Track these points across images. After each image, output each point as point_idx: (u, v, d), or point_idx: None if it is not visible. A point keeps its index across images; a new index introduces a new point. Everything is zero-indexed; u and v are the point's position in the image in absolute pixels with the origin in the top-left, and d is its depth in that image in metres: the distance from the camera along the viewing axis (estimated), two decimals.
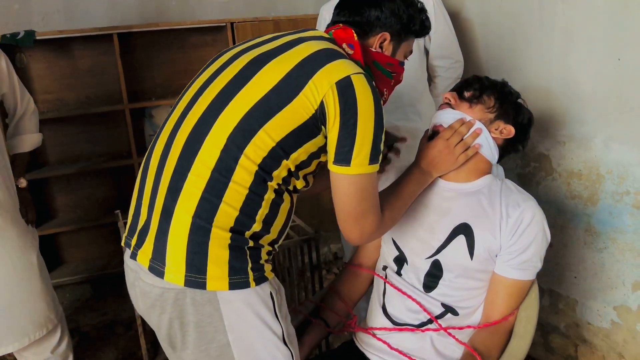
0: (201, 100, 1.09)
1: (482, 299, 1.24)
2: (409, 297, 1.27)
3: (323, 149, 1.09)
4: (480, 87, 1.28)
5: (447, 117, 1.27)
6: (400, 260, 1.32)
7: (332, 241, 3.05)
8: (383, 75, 1.24)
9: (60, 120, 2.69)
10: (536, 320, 1.23)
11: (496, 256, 1.20)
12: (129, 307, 2.55)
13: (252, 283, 1.04)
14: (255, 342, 1.06)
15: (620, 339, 1.81)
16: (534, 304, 1.23)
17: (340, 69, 1.04)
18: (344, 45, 1.17)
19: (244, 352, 1.06)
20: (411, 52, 1.30)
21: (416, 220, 1.30)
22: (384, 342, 1.28)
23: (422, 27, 1.27)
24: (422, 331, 1.25)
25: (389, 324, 1.30)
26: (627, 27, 1.59)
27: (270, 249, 1.11)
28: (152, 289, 1.07)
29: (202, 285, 1.01)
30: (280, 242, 1.15)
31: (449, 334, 1.21)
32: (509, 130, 1.26)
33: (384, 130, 1.08)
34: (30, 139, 1.93)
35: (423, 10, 1.27)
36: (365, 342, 1.33)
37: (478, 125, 1.24)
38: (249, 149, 1.01)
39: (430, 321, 1.24)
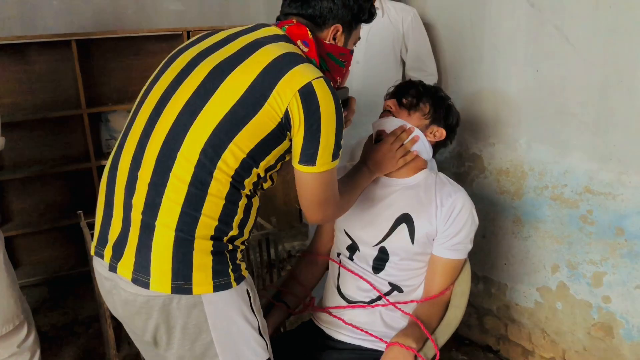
0: (167, 111, 1.10)
1: (423, 278, 1.43)
2: (361, 277, 1.45)
3: (288, 151, 1.15)
4: (417, 94, 1.44)
5: (390, 124, 1.43)
6: (353, 248, 1.49)
7: (285, 240, 3.21)
8: (337, 65, 1.28)
9: (15, 124, 2.72)
10: (468, 293, 1.43)
11: (433, 240, 1.40)
12: (88, 307, 2.60)
13: (234, 283, 1.10)
14: (235, 336, 1.13)
15: (542, 316, 2.06)
16: (466, 279, 1.43)
17: (301, 75, 1.07)
18: (299, 43, 1.18)
19: (226, 347, 1.12)
20: (359, 38, 1.34)
21: (364, 212, 1.47)
22: (339, 318, 1.45)
23: (370, 15, 1.29)
24: (372, 307, 1.42)
25: (343, 303, 1.47)
26: (544, 43, 1.84)
27: (243, 247, 1.17)
28: (136, 297, 1.09)
29: (188, 291, 1.05)
30: (249, 238, 1.21)
31: (396, 307, 1.39)
32: (442, 133, 1.45)
33: (343, 123, 1.15)
34: None
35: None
36: (323, 320, 1.50)
37: (417, 132, 1.41)
38: (222, 163, 1.04)
39: (379, 298, 1.42)
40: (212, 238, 1.07)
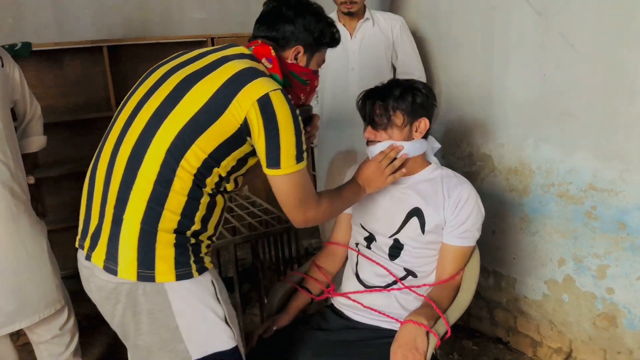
0: (139, 117, 1.22)
1: (436, 264, 1.55)
2: (378, 264, 1.57)
3: (250, 154, 1.26)
4: (383, 110, 1.49)
5: (377, 149, 1.51)
6: (370, 239, 1.62)
7: (303, 237, 3.33)
8: (299, 83, 1.39)
9: (50, 125, 2.88)
10: (477, 278, 1.54)
11: (442, 229, 1.52)
12: None
13: (195, 273, 1.21)
14: (200, 324, 1.23)
15: (550, 308, 2.17)
16: (475, 265, 1.55)
17: (260, 87, 1.19)
18: (263, 60, 1.30)
19: (191, 333, 1.22)
20: (324, 61, 1.44)
21: (377, 207, 1.59)
22: (358, 302, 1.57)
23: (332, 39, 1.39)
24: (388, 290, 1.54)
25: (361, 288, 1.59)
26: (550, 50, 1.95)
27: (210, 242, 1.29)
28: (107, 284, 1.21)
29: (152, 279, 1.17)
30: (217, 235, 1.34)
31: (411, 290, 1.51)
32: (425, 123, 1.52)
33: (302, 130, 1.25)
34: (37, 141, 2.14)
35: (332, 25, 1.40)
36: (343, 304, 1.62)
37: (405, 149, 1.49)
38: (184, 162, 1.16)
39: (394, 282, 1.54)
40: (175, 232, 1.19)
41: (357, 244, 1.66)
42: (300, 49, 1.35)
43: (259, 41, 1.33)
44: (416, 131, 1.51)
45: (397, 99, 1.48)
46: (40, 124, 2.17)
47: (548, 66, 1.98)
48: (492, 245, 2.32)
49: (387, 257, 1.57)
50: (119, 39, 2.91)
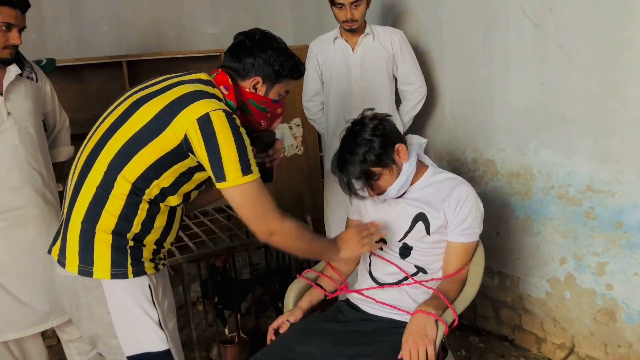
0: (96, 134, 1.37)
1: (438, 258, 1.66)
2: (390, 262, 1.68)
3: (195, 169, 1.36)
4: (360, 174, 1.55)
5: (390, 194, 1.60)
6: (382, 241, 1.73)
7: None
8: (258, 110, 1.49)
9: (72, 137, 3.02)
10: (482, 272, 1.65)
11: (446, 228, 1.62)
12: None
13: (131, 275, 1.32)
14: (133, 323, 1.34)
15: (553, 305, 2.27)
16: (480, 260, 1.66)
17: (201, 107, 1.30)
18: (221, 87, 1.42)
19: (124, 331, 1.34)
20: (287, 92, 1.54)
21: (385, 216, 1.69)
22: (371, 298, 1.68)
23: (291, 72, 1.49)
24: (399, 286, 1.66)
25: (374, 285, 1.71)
26: (548, 59, 2.07)
27: (156, 247, 1.40)
28: (58, 277, 1.38)
29: (90, 274, 1.31)
30: (169, 242, 1.45)
31: (421, 284, 1.62)
32: (402, 149, 1.60)
33: (247, 146, 1.32)
34: (65, 151, 2.27)
35: (292, 59, 1.49)
36: (357, 299, 1.73)
37: (400, 181, 1.59)
38: (125, 171, 1.29)
39: (405, 278, 1.65)
40: (113, 232, 1.31)
41: None
42: (259, 80, 1.46)
43: (219, 70, 1.47)
44: (400, 159, 1.60)
45: (362, 163, 1.54)
46: (68, 135, 2.30)
47: (546, 75, 2.10)
48: (496, 247, 2.43)
49: (398, 256, 1.68)
50: (137, 54, 3.05)
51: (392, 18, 2.88)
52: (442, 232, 1.63)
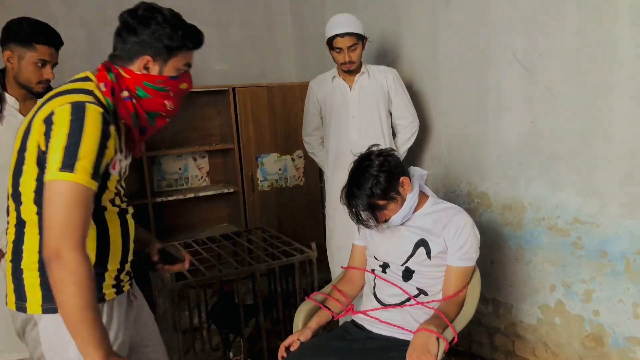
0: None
1: (438, 280, 1.80)
2: (394, 284, 1.82)
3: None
4: (367, 206, 1.70)
5: (395, 221, 1.77)
6: (385, 266, 1.86)
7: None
8: (157, 91, 1.35)
9: None
10: (479, 294, 1.79)
11: (445, 254, 1.77)
12: None
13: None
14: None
15: (544, 331, 2.40)
16: (477, 282, 1.80)
17: (48, 108, 1.22)
18: (101, 85, 1.29)
19: None
20: (189, 64, 1.41)
21: (389, 243, 1.84)
22: (376, 318, 1.81)
23: (184, 41, 1.35)
24: (402, 307, 1.79)
25: (378, 306, 1.83)
26: (537, 98, 2.26)
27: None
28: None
29: (24, 310, 1.28)
30: (112, 267, 1.34)
31: (424, 305, 1.76)
32: (406, 181, 1.77)
33: (88, 144, 1.17)
34: None
35: (183, 27, 1.35)
36: (363, 319, 1.86)
37: (403, 214, 1.75)
38: (22, 188, 1.26)
39: (408, 299, 1.78)
40: (38, 269, 1.26)
41: (373, 270, 1.90)
42: (149, 58, 1.33)
43: (99, 67, 1.34)
44: (404, 190, 1.77)
45: (370, 197, 1.70)
46: None
47: (535, 114, 2.28)
48: (490, 275, 2.57)
49: (401, 279, 1.82)
50: None
51: (389, 60, 3.08)
52: (442, 257, 1.77)
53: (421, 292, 1.79)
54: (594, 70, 2.05)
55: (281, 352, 1.79)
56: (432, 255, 1.75)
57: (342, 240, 2.64)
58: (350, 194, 1.74)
